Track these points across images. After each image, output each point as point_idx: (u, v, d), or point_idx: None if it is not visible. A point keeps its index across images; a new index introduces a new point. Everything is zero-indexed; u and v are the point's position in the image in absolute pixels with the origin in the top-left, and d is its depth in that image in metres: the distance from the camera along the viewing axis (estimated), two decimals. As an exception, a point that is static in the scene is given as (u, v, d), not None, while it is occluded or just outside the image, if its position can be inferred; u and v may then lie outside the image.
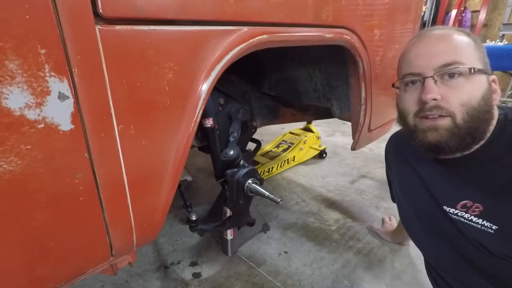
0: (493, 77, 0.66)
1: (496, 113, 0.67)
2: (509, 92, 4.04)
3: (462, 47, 0.64)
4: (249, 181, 0.97)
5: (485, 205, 0.66)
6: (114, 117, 0.49)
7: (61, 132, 0.44)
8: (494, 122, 0.66)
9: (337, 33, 0.86)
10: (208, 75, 0.59)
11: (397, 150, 0.91)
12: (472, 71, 0.61)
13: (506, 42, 3.40)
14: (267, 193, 0.95)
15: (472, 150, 0.67)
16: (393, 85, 0.76)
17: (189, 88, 0.58)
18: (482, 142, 0.66)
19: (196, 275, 1.22)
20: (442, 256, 0.79)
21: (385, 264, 1.27)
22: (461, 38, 0.65)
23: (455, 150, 0.66)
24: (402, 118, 0.73)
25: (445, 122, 0.63)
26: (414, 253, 1.31)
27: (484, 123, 0.64)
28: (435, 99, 0.63)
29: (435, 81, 0.63)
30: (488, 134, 0.66)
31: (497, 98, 0.66)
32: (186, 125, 0.59)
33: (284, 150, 2.20)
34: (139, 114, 0.52)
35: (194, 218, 1.01)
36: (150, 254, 1.34)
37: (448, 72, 0.62)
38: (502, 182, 0.64)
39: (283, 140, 2.33)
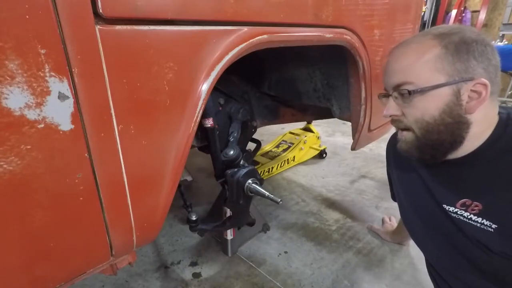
0: (479, 80, 0.60)
1: (487, 116, 0.64)
2: (509, 92, 4.04)
3: (414, 64, 0.63)
4: (249, 181, 0.97)
5: (484, 204, 0.66)
6: (114, 117, 0.49)
7: (61, 132, 0.44)
8: (487, 125, 0.65)
9: (337, 33, 0.86)
10: (208, 75, 0.59)
11: (397, 149, 0.92)
12: (417, 92, 0.62)
13: (506, 42, 3.40)
14: (267, 193, 0.95)
15: (472, 150, 0.67)
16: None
17: (189, 88, 0.58)
18: (481, 143, 0.66)
19: (196, 275, 1.22)
20: (442, 255, 0.80)
21: (385, 264, 1.27)
22: (420, 54, 0.63)
23: (424, 159, 0.71)
24: None
25: (408, 134, 0.69)
26: (414, 253, 1.31)
27: (450, 135, 0.64)
28: (396, 115, 0.69)
29: (396, 98, 0.68)
30: (486, 136, 0.65)
31: (478, 104, 0.61)
32: (186, 125, 0.59)
33: (284, 150, 2.19)
34: (139, 114, 0.52)
35: (194, 218, 1.01)
36: (150, 254, 1.34)
37: (400, 92, 0.66)
38: (501, 181, 0.64)
39: (283, 140, 2.33)
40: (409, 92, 0.63)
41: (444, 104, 0.62)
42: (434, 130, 0.64)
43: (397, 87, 0.66)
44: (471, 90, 0.61)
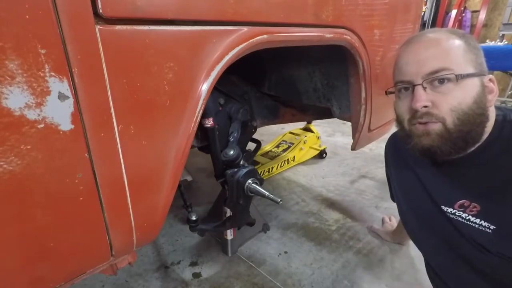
0: (490, 76, 0.65)
1: (493, 114, 0.67)
2: (509, 92, 4.04)
3: (450, 52, 0.64)
4: (249, 181, 0.97)
5: (482, 205, 0.66)
6: (114, 117, 0.49)
7: (61, 132, 0.44)
8: (491, 123, 0.66)
9: (337, 33, 0.86)
10: (208, 75, 0.59)
11: (396, 150, 0.92)
12: (460, 77, 0.62)
13: (506, 42, 3.39)
14: (267, 193, 0.95)
15: (468, 152, 0.67)
16: (386, 92, 0.76)
17: (189, 88, 0.58)
18: (478, 144, 0.66)
19: (196, 275, 1.22)
20: (441, 256, 0.80)
21: (385, 264, 1.27)
22: (450, 42, 0.65)
23: (448, 154, 0.67)
24: (399, 123, 0.75)
25: (436, 127, 0.65)
26: (414, 253, 1.31)
27: (477, 126, 0.64)
28: (425, 106, 0.64)
29: (425, 88, 0.65)
30: (485, 136, 0.66)
31: (493, 99, 0.65)
32: (186, 125, 0.59)
33: (284, 150, 2.19)
34: (139, 114, 0.52)
35: (194, 218, 1.01)
36: (150, 254, 1.34)
37: (436, 79, 0.63)
38: (498, 182, 0.64)
39: (283, 140, 2.33)
40: (456, 77, 0.62)
41: (476, 94, 0.63)
42: (469, 120, 0.63)
43: (431, 74, 0.64)
44: (486, 84, 0.64)
